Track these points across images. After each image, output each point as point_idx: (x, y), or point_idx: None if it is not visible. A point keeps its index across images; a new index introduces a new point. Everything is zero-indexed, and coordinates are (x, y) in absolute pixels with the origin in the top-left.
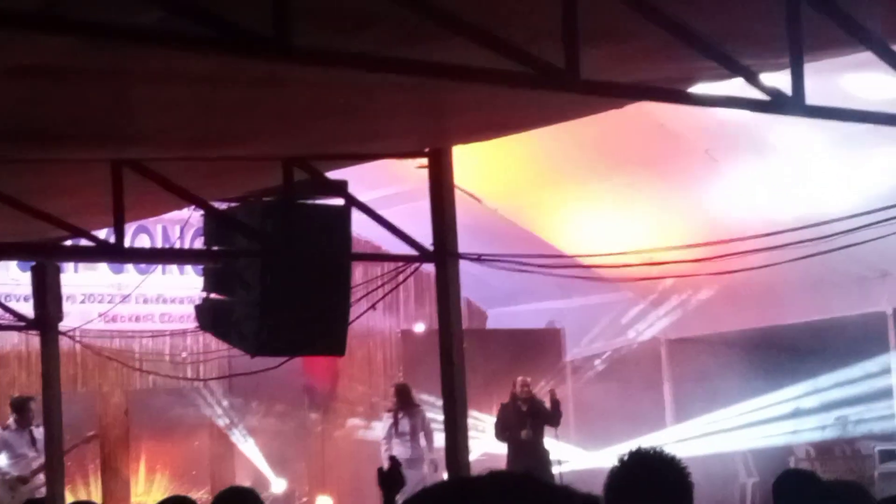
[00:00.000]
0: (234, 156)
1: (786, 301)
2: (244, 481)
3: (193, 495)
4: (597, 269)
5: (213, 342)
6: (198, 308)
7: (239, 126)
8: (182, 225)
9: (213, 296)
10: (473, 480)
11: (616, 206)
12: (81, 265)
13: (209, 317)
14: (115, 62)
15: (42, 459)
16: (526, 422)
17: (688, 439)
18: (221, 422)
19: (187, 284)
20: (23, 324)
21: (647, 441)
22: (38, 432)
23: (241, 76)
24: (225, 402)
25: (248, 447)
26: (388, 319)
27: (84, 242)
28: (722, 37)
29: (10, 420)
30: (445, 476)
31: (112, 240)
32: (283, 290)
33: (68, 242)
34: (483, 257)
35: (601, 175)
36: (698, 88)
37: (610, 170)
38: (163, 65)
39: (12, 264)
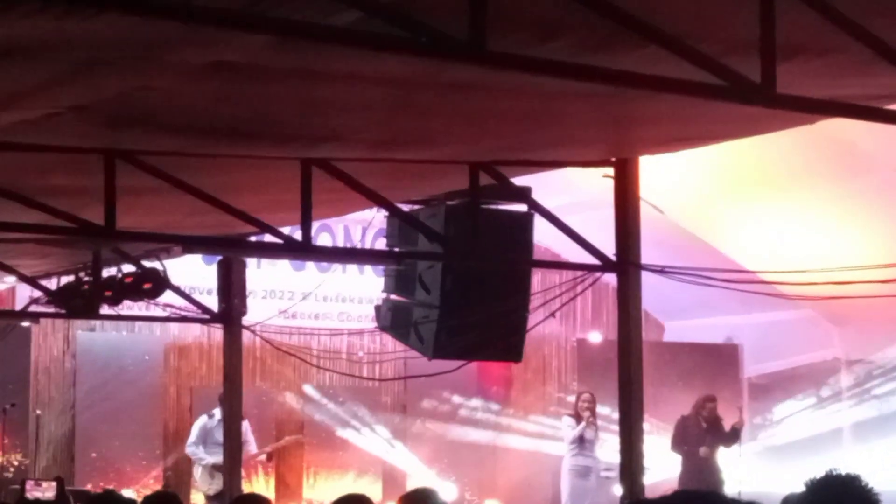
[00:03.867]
0: (421, 158)
1: None
2: (415, 484)
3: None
4: (779, 286)
5: (390, 343)
6: (377, 308)
7: (428, 129)
8: (365, 225)
9: (392, 297)
10: (660, 501)
11: (801, 223)
12: (263, 262)
13: (388, 317)
14: (311, 61)
15: (248, 450)
16: (705, 439)
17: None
18: (392, 423)
19: (366, 284)
20: (207, 317)
21: (824, 464)
22: (243, 425)
23: (433, 80)
24: (397, 404)
25: (419, 449)
26: (563, 328)
27: (270, 239)
28: None
29: (216, 411)
30: (617, 489)
31: (298, 237)
32: (463, 294)
33: (254, 238)
34: (666, 269)
35: (786, 191)
36: None
37: (795, 186)
38: (356, 66)
39: (197, 258)
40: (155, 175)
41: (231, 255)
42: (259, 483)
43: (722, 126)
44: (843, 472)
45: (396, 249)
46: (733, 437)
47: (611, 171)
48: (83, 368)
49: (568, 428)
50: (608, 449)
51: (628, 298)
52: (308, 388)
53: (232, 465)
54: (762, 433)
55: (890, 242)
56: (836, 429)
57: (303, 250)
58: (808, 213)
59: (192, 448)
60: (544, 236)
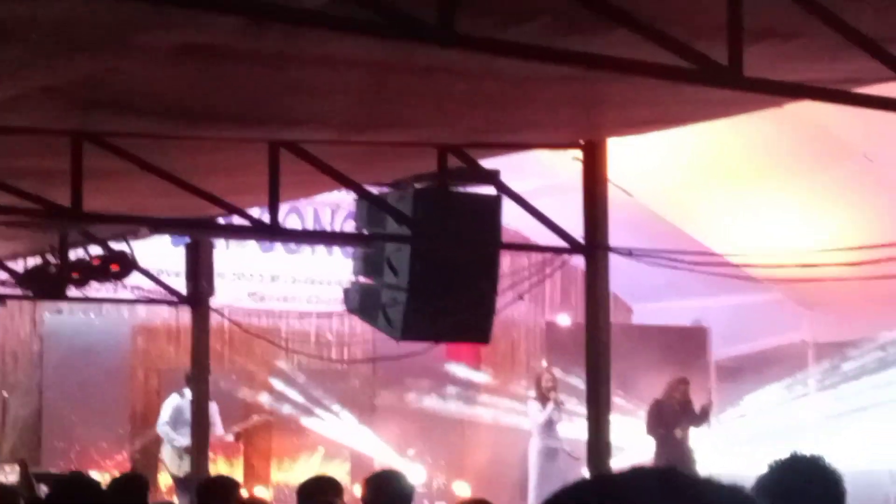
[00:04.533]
0: (390, 141)
1: None
2: (383, 465)
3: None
4: (747, 269)
5: (359, 325)
6: (346, 291)
7: (398, 112)
8: (333, 208)
9: (361, 279)
10: (618, 477)
11: (770, 207)
12: (232, 244)
13: (357, 300)
14: (281, 44)
15: (215, 432)
16: (680, 421)
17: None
18: (361, 406)
19: (335, 267)
20: (175, 299)
21: (792, 446)
22: (211, 407)
23: (403, 63)
24: (366, 387)
25: (388, 431)
26: (532, 311)
27: (238, 221)
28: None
29: (186, 390)
30: (584, 470)
31: (266, 219)
32: (431, 276)
33: (222, 221)
34: (634, 252)
35: (757, 175)
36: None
37: (766, 170)
38: (327, 49)
39: (165, 241)
40: (123, 157)
41: (198, 237)
42: (227, 465)
43: (690, 109)
44: (807, 454)
45: (364, 232)
46: (703, 417)
47: (580, 153)
48: (50, 351)
49: (535, 413)
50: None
51: (596, 281)
52: (276, 371)
53: (199, 446)
54: (730, 415)
55: (860, 227)
56: (804, 412)
57: (270, 232)
58: (779, 197)
59: (163, 428)
60: (513, 220)
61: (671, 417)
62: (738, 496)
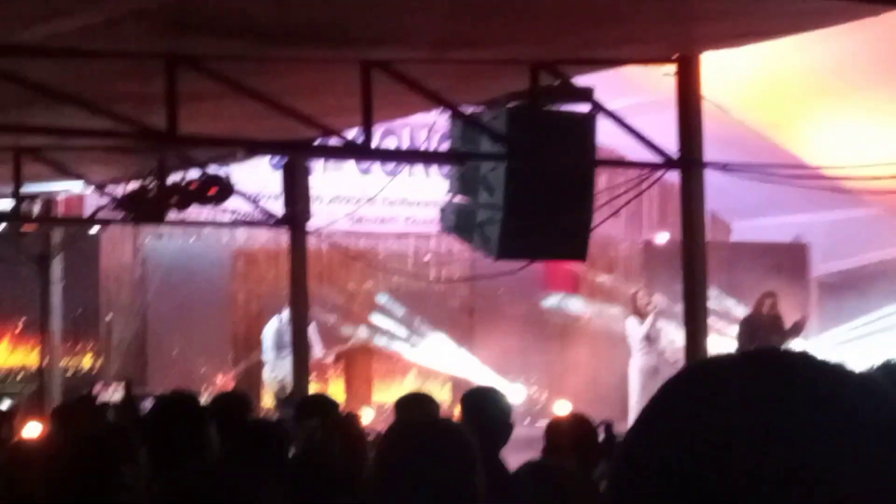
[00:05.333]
0: (481, 59)
1: None
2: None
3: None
4: (844, 182)
5: (456, 246)
6: (442, 210)
7: (488, 29)
8: (429, 129)
9: (457, 199)
10: (723, 360)
11: (869, 119)
12: (329, 167)
13: (453, 219)
14: None
15: (315, 353)
16: (770, 336)
17: None
18: (460, 326)
19: (432, 188)
20: (273, 221)
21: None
22: (311, 328)
23: None
24: (464, 307)
25: (487, 353)
26: (630, 230)
27: (334, 142)
28: None
29: (285, 311)
30: None
31: (360, 140)
32: (526, 194)
33: (318, 142)
34: (729, 166)
35: (852, 86)
36: None
37: (863, 81)
38: None
39: (263, 165)
40: (217, 80)
41: (294, 159)
42: (329, 387)
43: (783, 20)
44: None
45: (459, 151)
46: (794, 332)
47: (672, 69)
48: (152, 275)
49: (634, 328)
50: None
51: (692, 197)
52: (375, 293)
53: (300, 368)
54: (831, 331)
55: None
56: None
57: (365, 152)
58: (876, 109)
59: (269, 354)
60: (608, 138)
61: (762, 333)
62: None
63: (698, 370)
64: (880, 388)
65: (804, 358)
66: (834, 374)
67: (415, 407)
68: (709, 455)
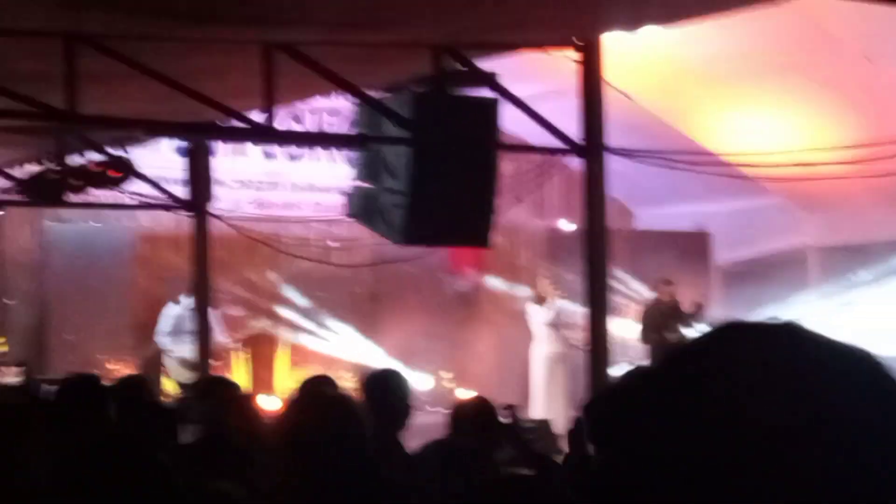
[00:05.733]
0: (384, 41)
1: None
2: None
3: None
4: (746, 169)
5: (361, 233)
6: (348, 195)
7: (389, 10)
8: (333, 115)
9: (362, 184)
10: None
11: (771, 108)
12: (234, 152)
13: (357, 205)
14: None
15: (217, 339)
16: (669, 324)
17: None
18: (363, 313)
19: (338, 174)
20: (176, 204)
21: None
22: (214, 314)
23: None
24: (367, 294)
25: (391, 341)
26: (534, 218)
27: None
28: None
29: (182, 298)
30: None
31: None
32: (430, 179)
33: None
34: (632, 152)
35: (755, 74)
36: None
37: (763, 69)
38: None
39: (164, 147)
40: (117, 59)
41: (196, 141)
42: (233, 374)
43: (685, 5)
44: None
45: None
46: (694, 318)
47: (576, 55)
48: (52, 259)
49: (536, 315)
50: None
51: (594, 182)
52: (278, 279)
53: (203, 353)
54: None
55: (859, 126)
56: (804, 314)
57: (266, 133)
58: (779, 98)
59: (163, 338)
60: (513, 125)
61: (661, 321)
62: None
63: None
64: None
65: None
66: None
67: (317, 389)
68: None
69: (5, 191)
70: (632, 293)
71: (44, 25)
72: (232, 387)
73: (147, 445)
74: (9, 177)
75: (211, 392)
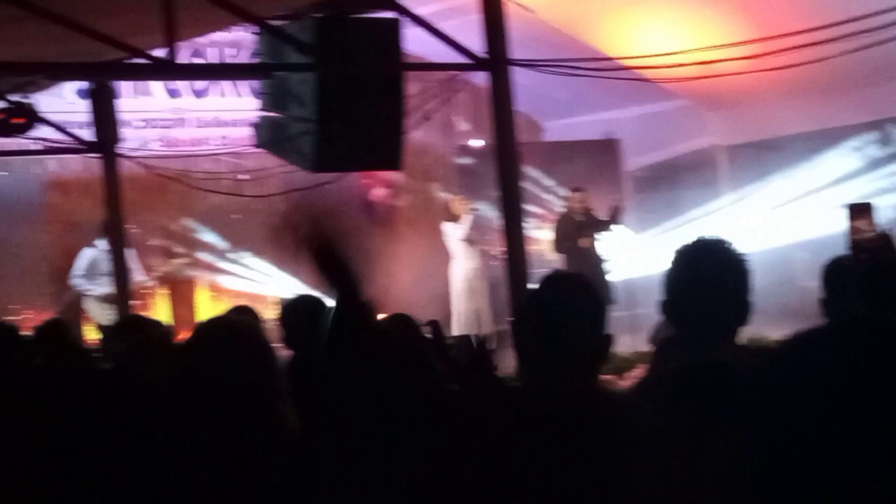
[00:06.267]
0: None
1: (846, 99)
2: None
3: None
4: (649, 73)
5: (272, 162)
6: (255, 126)
7: None
8: (236, 48)
9: (269, 114)
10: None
11: (668, 11)
12: (137, 92)
13: (266, 135)
14: None
15: (135, 277)
16: (583, 232)
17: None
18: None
19: (243, 107)
20: (83, 147)
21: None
22: (130, 253)
23: None
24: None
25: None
26: (445, 137)
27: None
28: None
29: (98, 241)
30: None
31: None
32: (337, 104)
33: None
34: (536, 63)
35: None
36: None
37: None
38: None
39: (67, 90)
40: (10, 2)
41: (99, 81)
42: (153, 313)
43: None
44: (711, 237)
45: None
46: (609, 223)
47: None
48: None
49: (451, 232)
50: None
51: (501, 96)
52: (192, 216)
53: (121, 294)
54: (648, 223)
55: (755, 21)
56: (716, 210)
57: (170, 69)
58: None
59: (78, 280)
60: (415, 46)
61: (573, 229)
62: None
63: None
64: None
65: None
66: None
67: (214, 318)
68: None
69: None
70: (545, 204)
71: None
72: (151, 324)
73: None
74: None
75: (130, 329)
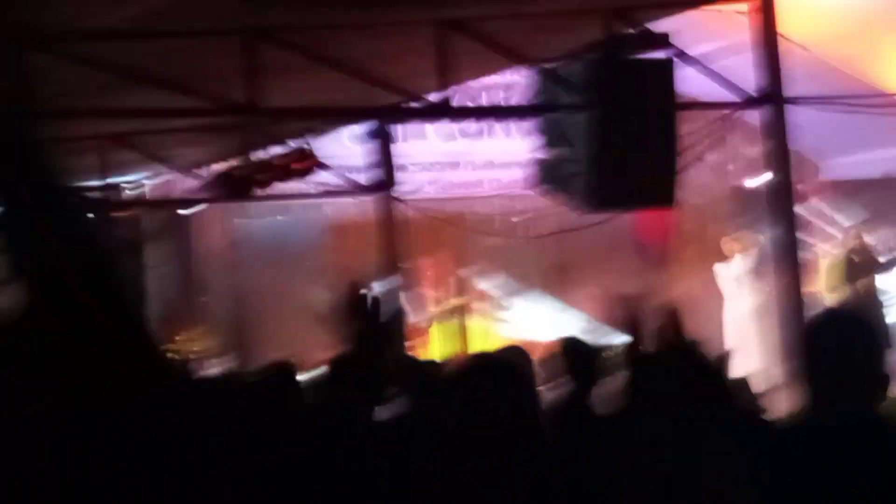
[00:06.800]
0: (554, 10)
1: None
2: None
3: None
4: None
5: (543, 204)
6: (535, 165)
7: None
8: (506, 91)
9: (543, 154)
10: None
11: None
12: (411, 135)
13: (545, 173)
14: None
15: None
16: (859, 273)
17: None
18: (552, 286)
19: (516, 149)
20: (362, 190)
21: None
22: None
23: None
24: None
25: (583, 308)
26: (718, 177)
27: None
28: None
29: (374, 284)
30: None
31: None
32: (611, 143)
33: None
34: (812, 99)
35: None
36: None
37: None
38: None
39: (344, 136)
40: (294, 51)
41: (379, 124)
42: (429, 349)
43: None
44: None
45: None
46: (888, 265)
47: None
48: (244, 255)
49: (723, 273)
50: None
51: (777, 133)
52: (465, 260)
53: (397, 335)
54: None
55: None
56: None
57: (446, 111)
58: None
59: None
60: (689, 87)
61: (851, 271)
62: None
63: None
64: None
65: None
66: None
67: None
68: None
69: (196, 191)
70: (824, 246)
71: (224, 23)
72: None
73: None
74: (200, 176)
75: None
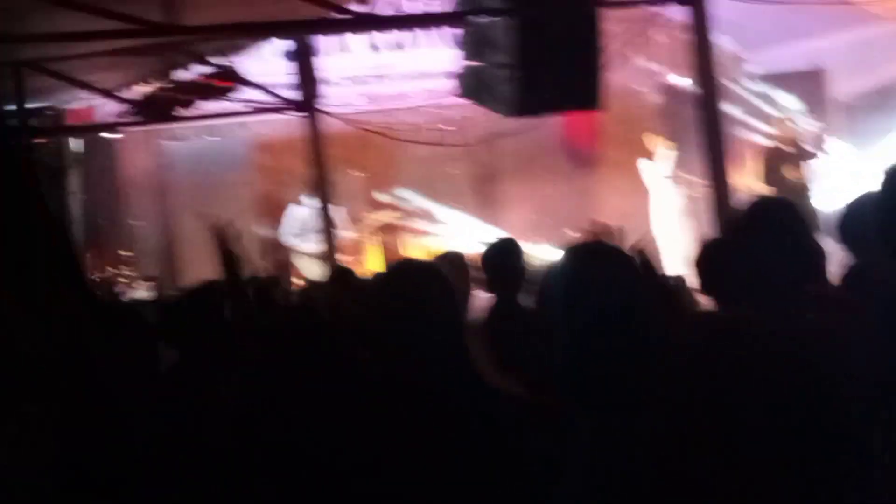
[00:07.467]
0: None
1: None
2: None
3: None
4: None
5: (472, 112)
6: (458, 76)
7: None
8: (429, 0)
9: (469, 62)
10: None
11: None
12: (338, 50)
13: (468, 83)
14: None
15: (343, 234)
16: (786, 161)
17: None
18: (483, 192)
19: (442, 58)
20: (287, 106)
21: None
22: (339, 210)
23: None
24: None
25: (513, 220)
26: (643, 78)
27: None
28: None
29: (303, 198)
30: None
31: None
32: (533, 48)
33: None
34: None
35: None
36: None
37: None
38: None
39: (266, 54)
40: None
41: (300, 40)
42: (366, 265)
43: None
44: None
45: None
46: (816, 153)
47: None
48: (174, 178)
49: (649, 169)
50: None
51: (698, 29)
52: (396, 170)
53: (330, 249)
54: (861, 152)
55: None
56: None
57: (370, 21)
58: None
59: (289, 238)
60: None
61: (778, 160)
62: None
63: None
64: None
65: None
66: None
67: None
68: None
69: (119, 115)
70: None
71: None
72: (353, 273)
73: None
74: (121, 99)
75: (334, 279)
